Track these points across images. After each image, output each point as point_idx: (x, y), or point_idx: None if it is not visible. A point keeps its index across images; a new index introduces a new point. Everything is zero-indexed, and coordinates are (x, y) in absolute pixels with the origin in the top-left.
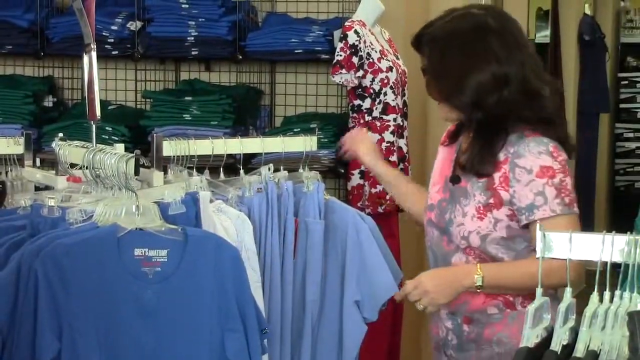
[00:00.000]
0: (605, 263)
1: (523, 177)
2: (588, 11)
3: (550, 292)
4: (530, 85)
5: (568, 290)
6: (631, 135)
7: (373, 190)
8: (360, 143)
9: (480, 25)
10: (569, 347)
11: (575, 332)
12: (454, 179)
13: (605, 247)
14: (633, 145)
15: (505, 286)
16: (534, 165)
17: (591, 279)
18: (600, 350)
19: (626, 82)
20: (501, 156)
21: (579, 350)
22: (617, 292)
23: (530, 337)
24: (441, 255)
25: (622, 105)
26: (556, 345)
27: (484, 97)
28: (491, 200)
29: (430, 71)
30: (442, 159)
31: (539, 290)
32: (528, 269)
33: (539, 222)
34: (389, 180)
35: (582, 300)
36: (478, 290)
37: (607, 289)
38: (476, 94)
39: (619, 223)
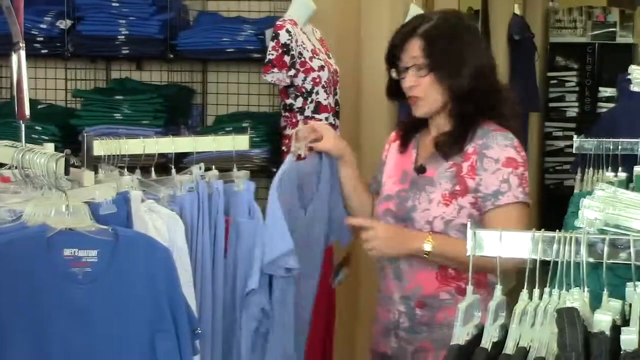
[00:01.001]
0: (535, 260)
1: (490, 166)
2: (517, 11)
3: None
4: (497, 78)
5: (498, 288)
6: (560, 134)
7: None
8: (327, 132)
9: (465, 24)
10: (499, 344)
11: (505, 329)
12: (420, 169)
13: (534, 244)
14: (562, 143)
15: (450, 258)
16: (500, 156)
17: (521, 277)
18: (530, 347)
19: (555, 81)
20: (469, 148)
21: (509, 347)
22: (547, 290)
23: (461, 335)
24: None
25: (551, 104)
26: (486, 343)
27: (478, 84)
28: (457, 188)
29: (430, 63)
30: (400, 154)
31: (469, 288)
32: None
33: (505, 206)
34: (355, 172)
35: (512, 297)
36: (425, 256)
37: (537, 287)
38: (473, 80)
39: (549, 221)
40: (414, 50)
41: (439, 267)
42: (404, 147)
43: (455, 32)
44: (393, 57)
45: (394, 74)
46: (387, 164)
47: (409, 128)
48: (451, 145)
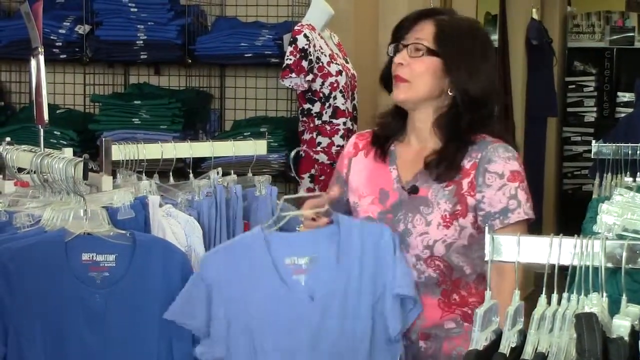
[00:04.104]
0: (554, 266)
1: (494, 182)
2: (535, 16)
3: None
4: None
5: (516, 293)
6: (578, 138)
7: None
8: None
9: (481, 29)
10: (518, 350)
11: (523, 335)
12: (412, 190)
13: (553, 249)
14: (580, 148)
15: None
16: (505, 170)
17: (540, 282)
18: (548, 352)
19: (573, 86)
20: (466, 163)
21: (527, 352)
22: (565, 295)
23: (479, 340)
24: None
25: (569, 109)
26: (505, 348)
27: (490, 91)
28: (458, 207)
29: (437, 49)
30: (370, 170)
31: (487, 293)
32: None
33: (515, 224)
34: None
35: (530, 302)
36: None
37: (555, 292)
38: (487, 85)
39: (567, 226)
40: (422, 32)
41: (441, 293)
42: (381, 159)
43: (474, 32)
44: (398, 38)
45: (391, 53)
46: (353, 182)
47: (381, 138)
48: (447, 167)
